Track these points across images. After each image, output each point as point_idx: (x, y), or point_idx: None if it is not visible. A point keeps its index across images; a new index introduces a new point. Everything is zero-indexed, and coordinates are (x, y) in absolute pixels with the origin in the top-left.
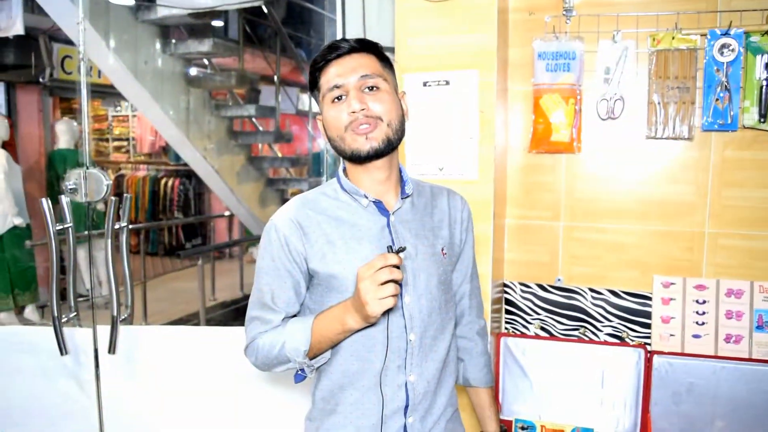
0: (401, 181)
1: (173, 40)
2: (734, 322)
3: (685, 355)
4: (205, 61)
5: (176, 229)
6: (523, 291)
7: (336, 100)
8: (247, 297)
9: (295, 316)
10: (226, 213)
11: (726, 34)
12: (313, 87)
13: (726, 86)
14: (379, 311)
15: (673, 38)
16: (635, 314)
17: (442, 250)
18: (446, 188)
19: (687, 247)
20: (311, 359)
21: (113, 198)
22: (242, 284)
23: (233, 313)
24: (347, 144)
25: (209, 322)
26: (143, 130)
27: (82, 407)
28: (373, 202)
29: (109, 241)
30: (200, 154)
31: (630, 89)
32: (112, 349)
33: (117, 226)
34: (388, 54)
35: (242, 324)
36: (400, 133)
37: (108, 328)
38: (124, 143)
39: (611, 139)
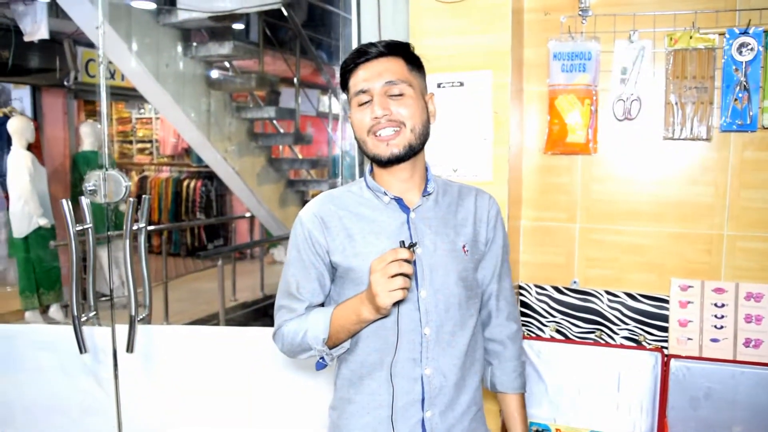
0: (426, 180)
1: (194, 43)
2: (753, 326)
3: (702, 359)
4: (226, 64)
5: (198, 230)
6: (538, 293)
7: (362, 103)
8: (267, 297)
9: (321, 305)
10: (247, 214)
11: (745, 32)
12: (343, 87)
13: (745, 86)
14: (389, 303)
15: (690, 37)
16: (652, 317)
17: (464, 247)
18: (475, 188)
19: (705, 250)
20: (331, 348)
21: (132, 199)
22: (263, 285)
23: (253, 313)
24: (369, 148)
25: (229, 323)
26: (166, 133)
27: (101, 405)
28: (394, 199)
29: (128, 241)
30: (221, 156)
31: (647, 89)
32: (130, 348)
33: (135, 227)
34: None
35: (262, 324)
36: (424, 137)
37: (127, 327)
38: (148, 145)
39: (628, 140)
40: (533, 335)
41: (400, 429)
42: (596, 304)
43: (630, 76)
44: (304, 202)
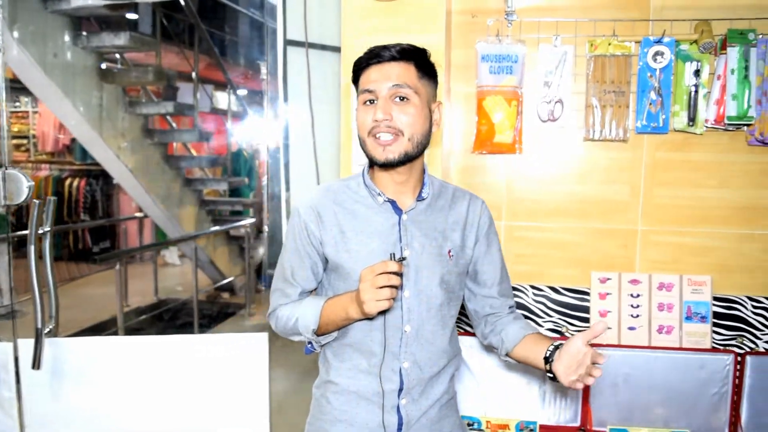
0: (422, 184)
1: (85, 33)
2: (666, 313)
3: (621, 346)
4: (118, 56)
5: (82, 233)
6: None
7: (367, 103)
8: (162, 302)
9: (314, 290)
10: (136, 214)
11: (659, 41)
12: (355, 83)
13: (658, 91)
14: (374, 311)
15: (609, 44)
16: (574, 309)
17: (449, 252)
18: (469, 193)
19: (622, 244)
20: (319, 335)
21: (36, 201)
22: (156, 289)
23: (151, 320)
24: (368, 148)
25: (127, 331)
26: (46, 128)
27: (2, 428)
28: (388, 200)
29: (33, 247)
30: (114, 153)
31: (569, 92)
32: (36, 364)
33: (40, 231)
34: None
35: (163, 332)
36: (423, 145)
37: (30, 341)
38: (24, 141)
39: (551, 141)
40: (461, 331)
41: (377, 415)
42: (522, 298)
43: (553, 79)
44: (201, 202)
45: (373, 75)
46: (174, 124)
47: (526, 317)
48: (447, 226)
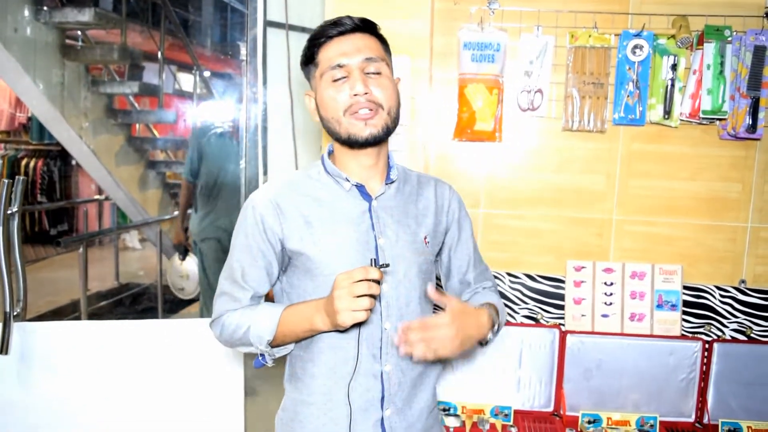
0: (388, 167)
1: (47, 8)
2: (638, 301)
3: (595, 333)
4: (80, 33)
5: (39, 215)
6: None
7: (337, 80)
8: (123, 287)
9: (265, 295)
10: (96, 197)
11: (638, 35)
12: (308, 62)
13: (636, 84)
14: (349, 323)
15: (589, 36)
16: (550, 296)
17: (425, 238)
18: (434, 178)
19: (597, 233)
20: (273, 347)
21: (5, 180)
22: (117, 273)
23: (113, 304)
24: (344, 128)
25: (88, 316)
26: (1, 105)
27: None
28: (356, 185)
29: (0, 228)
30: (75, 133)
31: (549, 82)
32: (4, 349)
33: (9, 212)
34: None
35: (125, 317)
36: (397, 120)
37: None
38: None
39: (530, 130)
40: None
41: (360, 430)
42: (498, 285)
43: (534, 69)
44: (165, 185)
45: (340, 48)
46: (136, 105)
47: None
48: (418, 212)
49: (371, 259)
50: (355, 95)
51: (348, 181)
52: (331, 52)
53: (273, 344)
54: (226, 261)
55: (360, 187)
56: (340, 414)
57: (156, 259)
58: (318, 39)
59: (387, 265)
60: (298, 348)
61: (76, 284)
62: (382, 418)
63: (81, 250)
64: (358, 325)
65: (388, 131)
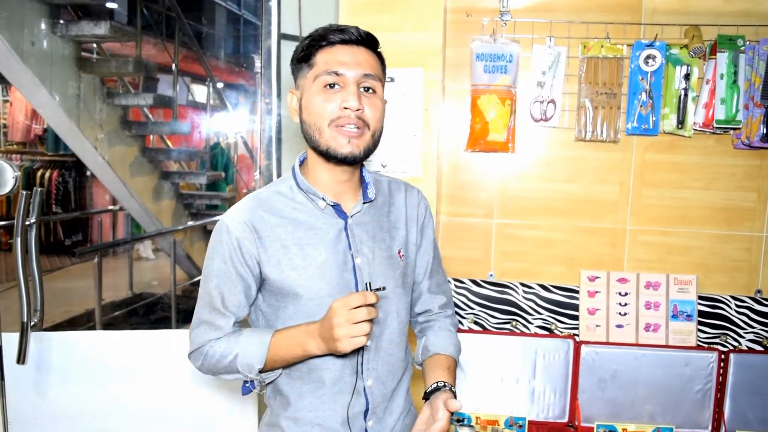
0: (362, 183)
1: (63, 21)
2: (652, 312)
3: (609, 344)
4: (95, 45)
5: (54, 225)
6: (457, 286)
7: (329, 87)
8: (137, 297)
9: (243, 320)
10: (110, 207)
11: (651, 45)
12: (301, 60)
13: (649, 94)
14: (349, 349)
15: (602, 47)
16: (564, 307)
17: (399, 252)
18: (404, 183)
19: (611, 243)
20: (262, 373)
21: (24, 192)
22: (131, 283)
23: (127, 314)
24: (325, 139)
25: (103, 326)
26: (17, 117)
27: None
28: (331, 204)
29: (18, 238)
30: (91, 144)
31: (561, 93)
32: (22, 358)
33: (27, 222)
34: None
35: (138, 327)
36: (378, 143)
37: (13, 335)
38: None
39: (543, 140)
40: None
41: None
42: (512, 295)
43: (547, 79)
44: (179, 195)
45: (341, 56)
46: (151, 117)
47: (516, 314)
48: (391, 225)
49: (366, 284)
50: (346, 108)
51: (324, 200)
52: (330, 57)
53: (262, 371)
54: (200, 288)
55: (336, 206)
56: (328, 430)
57: (169, 268)
58: (319, 41)
59: (383, 288)
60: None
61: (90, 294)
62: (366, 429)
63: (96, 260)
64: (357, 350)
65: (368, 153)
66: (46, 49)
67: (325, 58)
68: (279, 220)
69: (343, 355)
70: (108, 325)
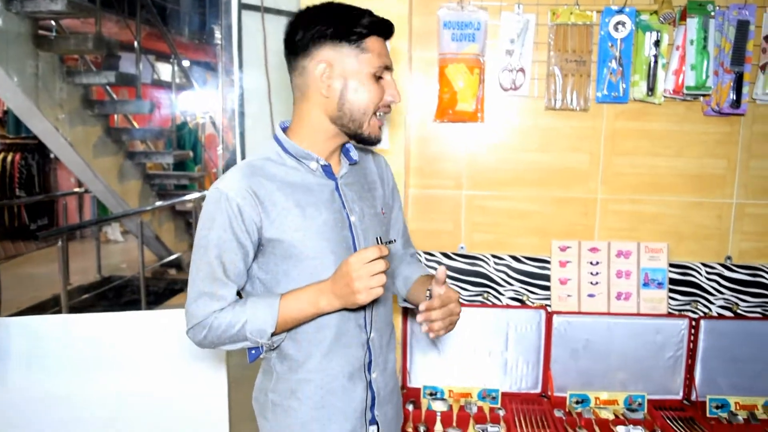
0: (345, 146)
1: None
2: (624, 280)
3: (581, 313)
4: (53, 23)
5: (18, 209)
6: (427, 260)
7: (377, 77)
8: (106, 280)
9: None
10: (76, 190)
11: (620, 11)
12: (344, 37)
13: (619, 61)
14: (368, 300)
15: (571, 13)
16: (535, 277)
17: (382, 210)
18: (369, 150)
19: (582, 212)
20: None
21: None
22: (100, 266)
23: (95, 298)
24: (367, 125)
25: (71, 309)
26: None
27: None
28: (323, 166)
29: None
30: (52, 125)
31: (531, 61)
32: None
33: None
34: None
35: (110, 309)
36: None
37: None
38: None
39: (512, 109)
40: None
41: (354, 397)
42: (483, 267)
43: (515, 47)
44: (146, 176)
45: (385, 49)
46: (114, 96)
47: (488, 286)
48: (370, 186)
49: (377, 238)
50: (392, 101)
51: (318, 161)
52: (381, 49)
53: (273, 334)
54: (194, 261)
55: (326, 167)
56: (337, 386)
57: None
58: (371, 27)
59: (393, 242)
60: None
61: (57, 279)
62: (370, 381)
63: (60, 243)
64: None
65: None
66: (0, 27)
67: (377, 48)
68: (276, 185)
69: (352, 310)
70: (76, 309)
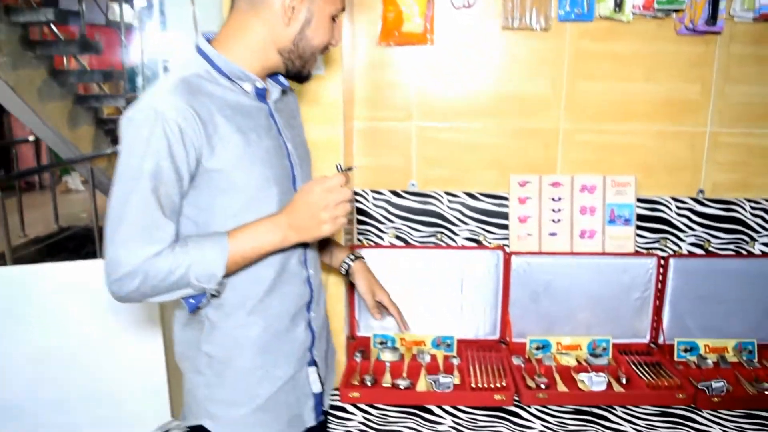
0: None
1: None
2: (588, 217)
3: (542, 253)
4: None
5: None
6: (375, 199)
7: (333, 19)
8: (63, 230)
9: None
10: (30, 137)
11: None
12: None
13: None
14: (333, 231)
15: None
16: (492, 216)
17: (306, 141)
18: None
19: (543, 144)
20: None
21: None
22: (57, 217)
23: (47, 249)
24: (310, 63)
25: (19, 261)
26: None
27: None
28: (257, 88)
29: None
30: None
31: None
32: None
33: None
34: None
35: (63, 260)
36: None
37: None
38: None
39: (466, 30)
40: (372, 243)
41: (296, 337)
42: (436, 205)
43: None
44: (98, 121)
45: None
46: (60, 36)
47: (441, 226)
48: (292, 115)
49: (337, 165)
50: (334, 45)
51: (257, 83)
52: None
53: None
54: (118, 197)
55: (260, 91)
56: (281, 328)
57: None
58: None
59: (351, 169)
60: None
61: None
62: (309, 321)
63: None
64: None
65: None
66: None
67: None
68: (216, 106)
69: (293, 246)
70: (29, 260)
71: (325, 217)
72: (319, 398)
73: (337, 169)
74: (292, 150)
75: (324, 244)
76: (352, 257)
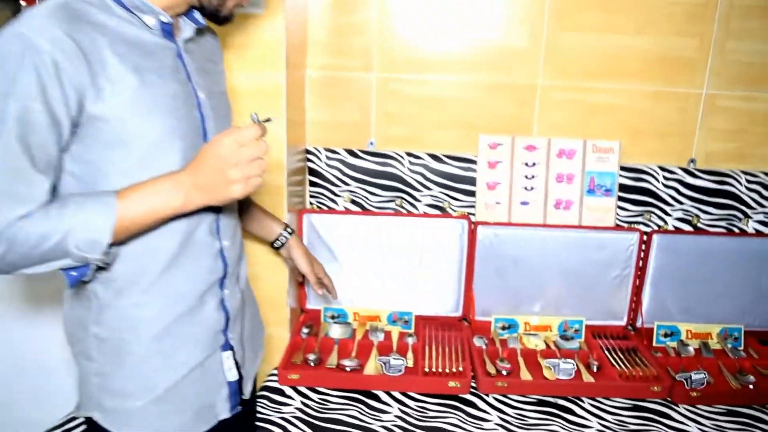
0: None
1: None
2: (565, 185)
3: (512, 224)
4: None
5: None
6: (329, 158)
7: None
8: None
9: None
10: None
11: None
12: None
13: None
14: (247, 193)
15: None
16: (458, 181)
17: (225, 90)
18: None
19: (518, 102)
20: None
21: None
22: None
23: None
24: (229, 6)
25: None
26: None
27: None
28: (163, 23)
29: None
30: None
31: None
32: None
33: None
34: None
35: None
36: None
37: None
38: None
39: None
40: (325, 208)
41: (206, 318)
42: (396, 167)
43: None
44: None
45: None
46: None
47: (402, 191)
48: (210, 59)
49: (251, 115)
50: None
51: (163, 16)
52: None
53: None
54: None
55: (166, 26)
56: (184, 309)
57: None
58: None
59: (269, 120)
60: None
61: None
62: (222, 299)
63: None
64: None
65: None
66: None
67: None
68: (107, 39)
69: (202, 212)
70: None
71: (236, 175)
72: (235, 386)
73: (253, 120)
74: (204, 99)
75: (246, 209)
76: (290, 231)
